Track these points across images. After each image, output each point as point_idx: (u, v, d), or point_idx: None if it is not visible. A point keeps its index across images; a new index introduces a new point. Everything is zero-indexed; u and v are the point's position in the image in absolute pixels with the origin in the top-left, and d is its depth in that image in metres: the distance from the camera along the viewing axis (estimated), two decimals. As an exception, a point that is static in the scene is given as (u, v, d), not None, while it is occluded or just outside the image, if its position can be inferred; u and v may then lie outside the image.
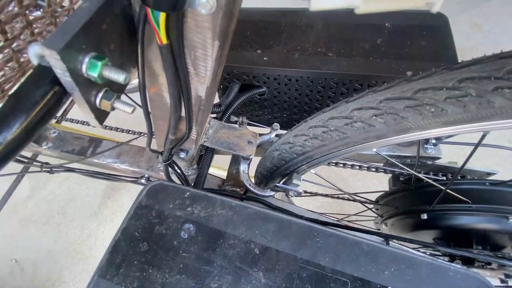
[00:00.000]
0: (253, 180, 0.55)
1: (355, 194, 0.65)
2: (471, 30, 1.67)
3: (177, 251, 0.35)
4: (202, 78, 0.26)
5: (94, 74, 0.17)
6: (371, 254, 0.31)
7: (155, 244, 0.36)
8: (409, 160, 0.60)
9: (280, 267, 0.32)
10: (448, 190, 0.45)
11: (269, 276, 0.32)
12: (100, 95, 0.20)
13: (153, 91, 0.30)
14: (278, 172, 0.49)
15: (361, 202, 0.64)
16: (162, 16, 0.18)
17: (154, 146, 0.49)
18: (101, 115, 0.21)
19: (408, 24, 0.53)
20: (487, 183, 0.47)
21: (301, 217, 0.41)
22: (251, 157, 0.48)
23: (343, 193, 0.63)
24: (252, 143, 0.49)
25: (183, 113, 0.33)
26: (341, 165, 0.57)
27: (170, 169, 0.49)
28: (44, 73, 0.17)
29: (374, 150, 0.40)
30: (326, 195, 0.70)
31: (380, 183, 1.14)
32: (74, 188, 1.32)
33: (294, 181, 0.48)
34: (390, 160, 0.52)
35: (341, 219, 0.78)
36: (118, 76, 0.18)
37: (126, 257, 0.35)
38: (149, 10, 0.18)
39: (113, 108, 0.20)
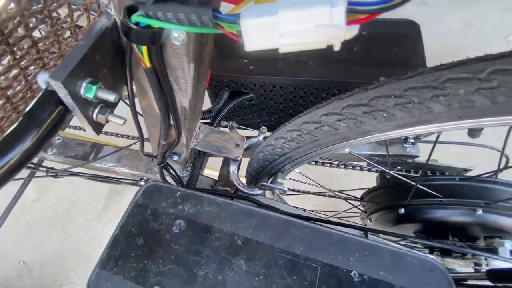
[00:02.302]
0: (243, 180, 0.59)
1: (340, 191, 0.69)
2: (463, 29, 1.71)
3: (169, 244, 0.39)
4: (184, 92, 0.30)
5: (90, 95, 0.21)
6: (340, 243, 0.35)
7: (150, 238, 0.40)
8: (391, 159, 0.64)
9: (259, 256, 0.36)
10: (420, 186, 0.49)
11: (250, 264, 0.36)
12: (96, 111, 0.24)
13: (144, 103, 0.34)
14: (264, 172, 0.53)
15: (346, 199, 0.68)
16: (144, 47, 0.22)
17: (150, 150, 0.53)
18: (97, 127, 0.25)
19: (383, 32, 0.57)
20: (457, 179, 0.51)
21: (284, 213, 0.45)
22: (238, 158, 0.53)
23: (328, 191, 0.66)
24: (239, 146, 0.53)
25: (172, 122, 0.37)
26: (320, 164, 0.61)
27: (165, 171, 0.53)
28: (50, 96, 0.21)
29: (347, 150, 0.44)
30: (311, 193, 0.74)
31: (372, 180, 1.18)
32: (79, 192, 1.37)
33: (279, 180, 0.52)
34: (362, 159, 0.56)
35: (331, 216, 0.82)
36: (109, 96, 0.22)
37: (124, 251, 0.39)
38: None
39: (107, 121, 0.25)
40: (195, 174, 0.54)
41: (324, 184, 0.80)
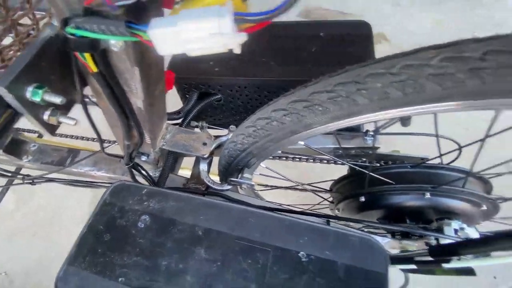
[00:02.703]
0: (216, 178, 0.61)
1: (309, 184, 0.72)
2: (433, 27, 1.79)
3: (134, 238, 0.41)
4: (136, 94, 0.32)
5: (37, 99, 0.24)
6: (291, 228, 0.39)
7: (116, 234, 0.42)
8: (353, 151, 0.68)
9: (218, 244, 0.39)
10: (373, 174, 0.53)
11: (209, 252, 0.39)
12: (47, 113, 0.26)
13: (102, 105, 0.37)
14: (231, 168, 0.56)
15: (313, 192, 0.71)
16: (87, 54, 0.24)
17: (120, 152, 0.55)
18: (51, 128, 0.27)
19: (339, 33, 0.61)
20: (408, 166, 0.55)
21: (248, 204, 0.48)
22: (206, 156, 0.55)
23: (297, 184, 0.70)
24: (207, 144, 0.56)
25: (132, 122, 0.39)
26: (284, 158, 0.64)
27: (137, 171, 0.55)
28: (0, 99, 0.23)
29: (302, 143, 0.47)
30: (280, 187, 0.77)
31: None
32: (61, 199, 1.36)
33: (245, 175, 0.55)
34: (317, 151, 0.59)
35: (306, 209, 0.85)
36: (56, 99, 0.24)
37: (92, 247, 0.41)
38: (76, 50, 0.25)
39: (59, 122, 0.27)
40: (165, 173, 0.56)
41: (302, 179, 0.83)
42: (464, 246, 0.40)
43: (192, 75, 0.61)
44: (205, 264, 0.38)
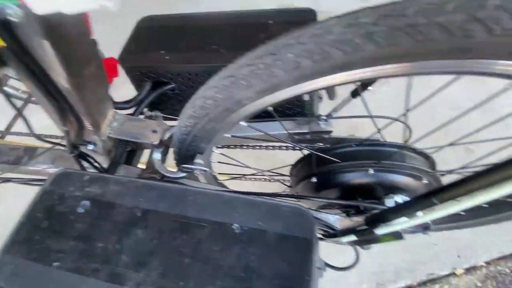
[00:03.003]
0: (170, 167, 0.61)
1: (269, 170, 0.73)
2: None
3: (72, 224, 0.41)
4: (56, 72, 0.32)
5: None
6: (227, 203, 0.39)
7: (55, 220, 0.41)
8: (308, 136, 0.70)
9: (156, 223, 0.39)
10: (318, 153, 0.55)
11: (147, 231, 0.39)
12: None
13: (27, 86, 0.36)
14: (182, 154, 0.56)
15: (271, 177, 0.72)
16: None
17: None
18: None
19: (287, 20, 0.63)
20: (353, 145, 0.57)
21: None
22: (155, 143, 0.55)
23: (257, 171, 0.71)
24: (157, 131, 0.56)
25: (64, 105, 0.39)
26: (239, 147, 0.65)
27: (87, 161, 0.55)
28: None
29: (244, 123, 0.48)
30: (239, 175, 0.78)
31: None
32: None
33: (197, 160, 0.55)
34: (270, 136, 0.61)
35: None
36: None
37: (29, 235, 0.40)
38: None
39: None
40: (115, 161, 0.56)
41: (268, 167, 0.84)
42: (391, 211, 0.42)
43: (142, 63, 0.60)
44: (142, 243, 0.38)
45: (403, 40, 0.27)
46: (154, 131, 0.55)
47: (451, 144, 0.55)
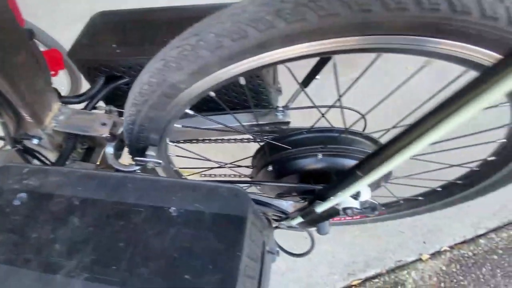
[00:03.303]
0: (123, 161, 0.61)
1: (231, 163, 0.74)
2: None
3: (8, 216, 0.39)
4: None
5: None
6: (166, 188, 0.39)
7: (-12, 214, 0.40)
8: (268, 127, 0.71)
9: (93, 211, 0.39)
10: (271, 141, 0.56)
11: (83, 219, 0.38)
12: None
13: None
14: (134, 146, 0.56)
15: (231, 168, 0.73)
16: None
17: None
18: None
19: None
20: (304, 132, 0.58)
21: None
22: (103, 135, 0.54)
23: (219, 165, 0.71)
24: (106, 124, 0.55)
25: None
26: (195, 142, 0.66)
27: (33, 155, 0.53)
28: None
29: (190, 111, 0.48)
30: (200, 168, 0.78)
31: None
32: None
33: (149, 152, 0.55)
34: (227, 128, 0.61)
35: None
36: None
37: (-42, 230, 0.39)
38: None
39: None
40: (63, 155, 0.55)
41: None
42: (326, 190, 0.43)
43: (92, 57, 0.60)
44: (77, 232, 0.37)
45: (308, 16, 0.28)
46: (104, 124, 0.55)
47: (394, 127, 0.57)
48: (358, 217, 1.01)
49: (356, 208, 0.53)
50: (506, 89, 0.21)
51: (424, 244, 1.04)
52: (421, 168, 0.77)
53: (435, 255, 1.02)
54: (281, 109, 0.69)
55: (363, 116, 0.65)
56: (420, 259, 1.01)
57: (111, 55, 0.60)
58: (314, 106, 0.68)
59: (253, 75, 0.53)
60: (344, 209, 0.53)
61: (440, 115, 0.25)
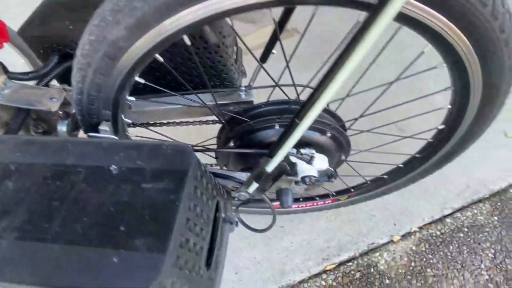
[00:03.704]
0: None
1: (196, 145, 0.73)
2: (337, 19, 2.00)
3: None
4: None
5: None
6: (107, 149, 0.38)
7: None
8: (232, 108, 0.71)
9: (29, 174, 0.37)
10: (225, 111, 0.56)
11: (18, 182, 0.36)
12: None
13: None
14: (86, 120, 0.54)
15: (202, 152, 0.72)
16: None
17: None
18: None
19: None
20: (262, 106, 0.59)
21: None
22: (53, 110, 0.53)
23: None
24: (56, 99, 0.53)
25: None
26: (158, 124, 0.65)
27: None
28: None
29: (139, 79, 0.47)
30: None
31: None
32: None
33: (102, 127, 0.53)
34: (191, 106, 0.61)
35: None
36: None
37: None
38: None
39: None
40: (9, 130, 0.52)
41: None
42: (274, 147, 0.44)
43: (44, 34, 0.58)
44: (9, 195, 0.35)
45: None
46: (53, 98, 0.53)
47: (347, 96, 0.59)
48: (330, 201, 1.03)
49: (314, 176, 0.54)
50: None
51: (395, 226, 1.06)
52: (380, 143, 0.80)
53: (405, 236, 1.04)
54: (243, 88, 0.69)
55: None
56: (391, 241, 1.04)
57: (64, 32, 0.58)
58: (276, 85, 0.70)
59: (196, 35, 0.52)
60: (303, 177, 0.54)
61: (345, 57, 0.26)
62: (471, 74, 0.45)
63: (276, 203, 0.59)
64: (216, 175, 0.54)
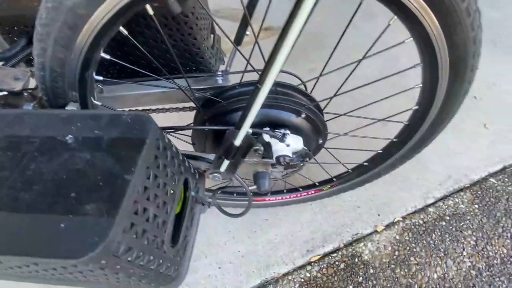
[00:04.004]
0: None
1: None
2: (325, 20, 2.03)
3: None
4: None
5: None
6: (66, 120, 0.37)
7: None
8: (209, 93, 0.70)
9: (-21, 145, 0.35)
10: (196, 93, 0.55)
11: (-35, 154, 0.34)
12: None
13: None
14: (52, 100, 0.52)
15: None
16: None
17: None
18: None
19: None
20: (236, 86, 0.58)
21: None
22: (16, 90, 0.51)
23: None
24: (20, 79, 0.51)
25: None
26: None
27: None
28: None
29: (106, 56, 0.46)
30: None
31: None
32: None
33: (69, 107, 0.52)
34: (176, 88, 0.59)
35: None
36: None
37: None
38: None
39: None
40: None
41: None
42: (239, 119, 0.43)
43: (13, 14, 0.56)
44: (-44, 165, 0.33)
45: None
46: (17, 78, 0.51)
47: (320, 75, 0.59)
48: (313, 191, 1.02)
49: (288, 156, 0.53)
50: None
51: (379, 216, 1.06)
52: (359, 128, 0.80)
53: (389, 226, 1.05)
54: (220, 73, 0.69)
55: (300, 80, 0.67)
56: (375, 231, 1.04)
57: (34, 13, 0.57)
58: (254, 70, 0.69)
59: (168, 15, 0.51)
60: (277, 157, 0.53)
61: (291, 21, 0.26)
62: (437, 47, 0.45)
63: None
64: (187, 156, 0.53)
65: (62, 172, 0.31)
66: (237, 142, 0.44)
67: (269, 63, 0.32)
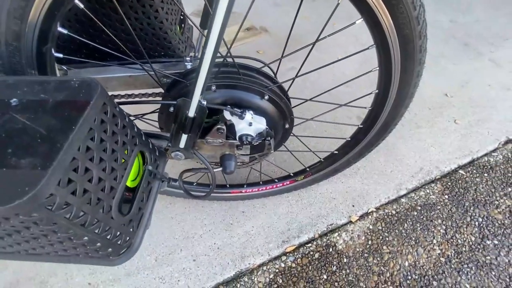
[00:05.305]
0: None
1: (140, 115, 0.72)
2: (303, 21, 2.08)
3: None
4: None
5: None
6: (11, 85, 0.37)
7: None
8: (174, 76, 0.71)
9: None
10: (153, 70, 0.56)
11: None
12: None
13: None
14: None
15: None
16: None
17: None
18: None
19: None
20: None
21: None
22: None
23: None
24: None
25: None
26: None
27: None
28: None
29: (63, 31, 0.46)
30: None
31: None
32: None
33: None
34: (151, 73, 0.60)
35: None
36: None
37: None
38: None
39: None
40: None
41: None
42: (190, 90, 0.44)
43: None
44: None
45: None
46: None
47: (282, 57, 0.61)
48: (288, 182, 1.03)
49: (250, 135, 0.54)
50: None
51: (353, 207, 1.08)
52: (326, 114, 0.82)
53: (363, 216, 1.07)
54: (188, 59, 0.70)
55: (264, 63, 0.68)
56: (350, 221, 1.05)
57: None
58: (221, 56, 0.70)
59: None
60: (240, 136, 0.54)
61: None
62: (385, 28, 0.47)
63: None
64: (148, 134, 0.53)
65: (1, 131, 0.31)
66: (191, 113, 0.45)
67: (209, 31, 0.33)
